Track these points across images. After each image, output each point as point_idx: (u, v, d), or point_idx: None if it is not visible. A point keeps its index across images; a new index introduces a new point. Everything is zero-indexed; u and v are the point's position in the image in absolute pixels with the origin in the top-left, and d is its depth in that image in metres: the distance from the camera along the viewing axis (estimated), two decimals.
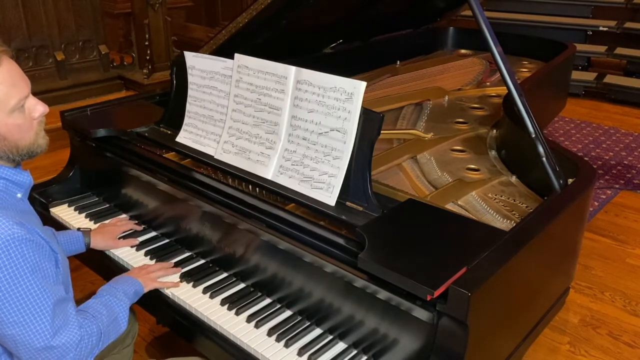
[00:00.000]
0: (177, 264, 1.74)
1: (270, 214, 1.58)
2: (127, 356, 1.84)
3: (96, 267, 1.91)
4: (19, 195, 1.34)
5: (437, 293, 1.19)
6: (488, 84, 3.09)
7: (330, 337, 1.47)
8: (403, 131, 2.36)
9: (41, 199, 2.09)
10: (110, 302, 1.45)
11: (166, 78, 4.84)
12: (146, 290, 1.60)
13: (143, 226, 1.93)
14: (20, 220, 1.23)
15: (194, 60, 1.93)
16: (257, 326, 1.50)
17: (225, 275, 1.70)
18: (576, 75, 5.43)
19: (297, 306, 1.54)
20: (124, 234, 1.89)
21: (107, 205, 2.10)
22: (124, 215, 2.00)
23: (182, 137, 1.96)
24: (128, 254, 1.82)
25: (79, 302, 1.41)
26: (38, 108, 1.30)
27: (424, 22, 3.53)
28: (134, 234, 1.90)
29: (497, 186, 1.95)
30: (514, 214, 1.75)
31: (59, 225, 2.01)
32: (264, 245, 1.58)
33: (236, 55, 1.81)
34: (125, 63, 5.75)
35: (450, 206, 1.75)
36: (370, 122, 1.53)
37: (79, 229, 1.82)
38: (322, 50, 2.98)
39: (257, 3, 2.10)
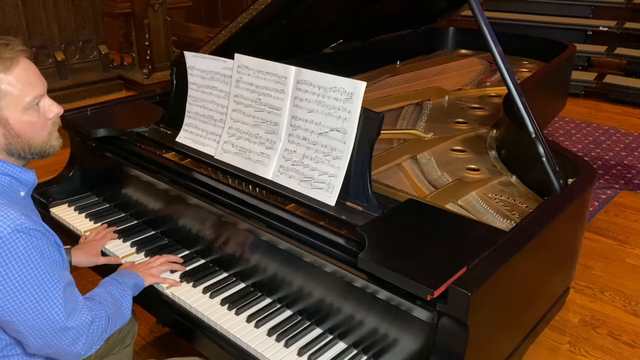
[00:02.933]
0: None
1: (270, 214, 1.58)
2: (127, 356, 1.84)
3: (96, 267, 1.90)
4: (22, 193, 1.36)
5: (437, 293, 1.19)
6: (488, 84, 3.09)
7: (330, 337, 1.47)
8: (403, 131, 2.36)
9: (41, 199, 2.09)
10: (113, 291, 1.47)
11: (166, 78, 4.83)
12: (146, 284, 1.60)
13: (120, 237, 1.87)
14: (26, 212, 1.25)
15: (194, 60, 1.93)
16: (257, 326, 1.50)
17: (225, 275, 1.70)
18: (576, 75, 5.43)
19: (297, 306, 1.54)
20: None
21: (107, 205, 2.10)
22: (101, 225, 1.95)
23: (182, 137, 1.96)
24: (128, 255, 1.81)
25: None
26: (53, 109, 1.35)
27: (424, 22, 3.53)
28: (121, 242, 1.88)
29: (497, 186, 1.95)
30: (514, 214, 1.75)
31: (59, 226, 2.02)
32: (264, 245, 1.58)
33: (236, 55, 1.81)
34: (125, 63, 5.75)
35: (450, 206, 1.75)
36: (370, 122, 1.53)
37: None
38: (322, 50, 2.98)
39: (257, 3, 2.10)
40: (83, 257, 1.77)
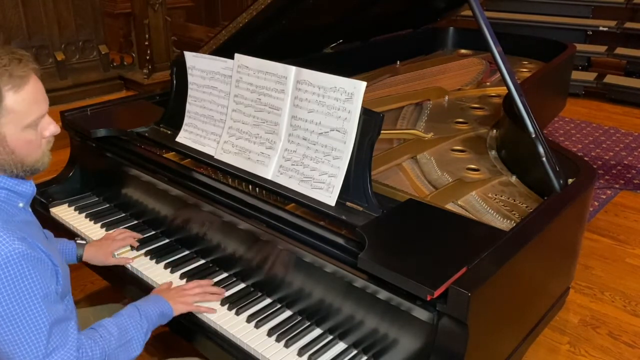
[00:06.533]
0: (177, 264, 1.74)
1: (270, 214, 1.58)
2: None
3: (96, 267, 1.91)
4: (20, 204, 1.32)
5: (437, 293, 1.19)
6: (488, 84, 3.09)
7: (330, 337, 1.47)
8: (403, 131, 2.36)
9: (41, 199, 2.09)
10: (125, 324, 1.40)
11: (166, 78, 4.82)
12: (176, 313, 1.52)
13: (138, 244, 1.84)
14: (22, 234, 1.21)
15: (194, 60, 1.93)
16: (257, 326, 1.50)
17: (225, 275, 1.70)
18: (576, 75, 5.43)
19: (297, 306, 1.54)
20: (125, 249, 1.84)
21: (107, 205, 2.10)
22: (124, 228, 1.92)
23: (182, 137, 1.96)
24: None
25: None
26: (50, 127, 1.31)
27: (424, 22, 3.53)
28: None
29: (497, 186, 1.95)
30: (514, 214, 1.75)
31: (59, 226, 2.02)
32: (264, 245, 1.58)
33: (236, 55, 1.81)
34: (125, 63, 5.75)
35: (450, 206, 1.75)
36: (370, 122, 1.53)
37: (76, 241, 1.76)
38: (322, 50, 2.98)
39: (257, 3, 2.10)
40: (95, 256, 1.75)
